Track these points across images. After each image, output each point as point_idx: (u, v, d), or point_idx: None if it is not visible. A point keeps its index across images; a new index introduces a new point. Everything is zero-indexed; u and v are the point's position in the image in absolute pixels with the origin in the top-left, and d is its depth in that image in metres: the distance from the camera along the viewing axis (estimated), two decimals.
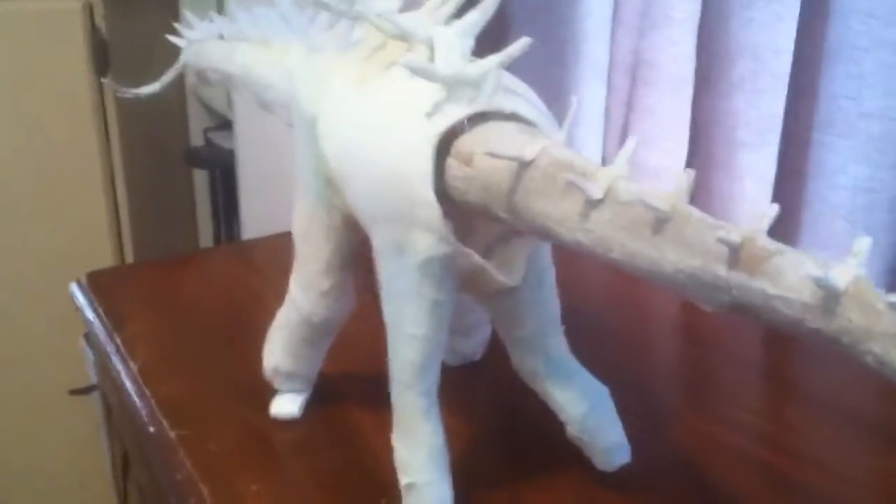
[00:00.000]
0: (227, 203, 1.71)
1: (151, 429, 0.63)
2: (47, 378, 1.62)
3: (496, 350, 0.60)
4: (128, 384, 0.69)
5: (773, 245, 0.36)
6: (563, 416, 0.53)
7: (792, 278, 0.35)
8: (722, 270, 0.37)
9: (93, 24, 1.68)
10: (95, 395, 1.21)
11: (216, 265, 0.93)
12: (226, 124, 1.71)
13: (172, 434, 0.62)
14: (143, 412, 0.65)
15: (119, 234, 1.79)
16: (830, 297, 0.34)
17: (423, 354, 0.49)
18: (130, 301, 0.82)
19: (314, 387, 0.64)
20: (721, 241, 0.36)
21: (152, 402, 0.66)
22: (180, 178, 1.86)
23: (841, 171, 0.77)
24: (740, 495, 0.56)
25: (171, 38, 0.74)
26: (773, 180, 0.83)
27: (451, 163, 0.45)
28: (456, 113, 0.45)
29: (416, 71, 0.45)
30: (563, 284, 0.52)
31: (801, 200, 0.82)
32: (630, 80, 1.02)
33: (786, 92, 0.80)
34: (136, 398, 0.67)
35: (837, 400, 0.66)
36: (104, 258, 1.73)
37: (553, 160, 0.42)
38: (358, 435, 0.61)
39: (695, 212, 0.39)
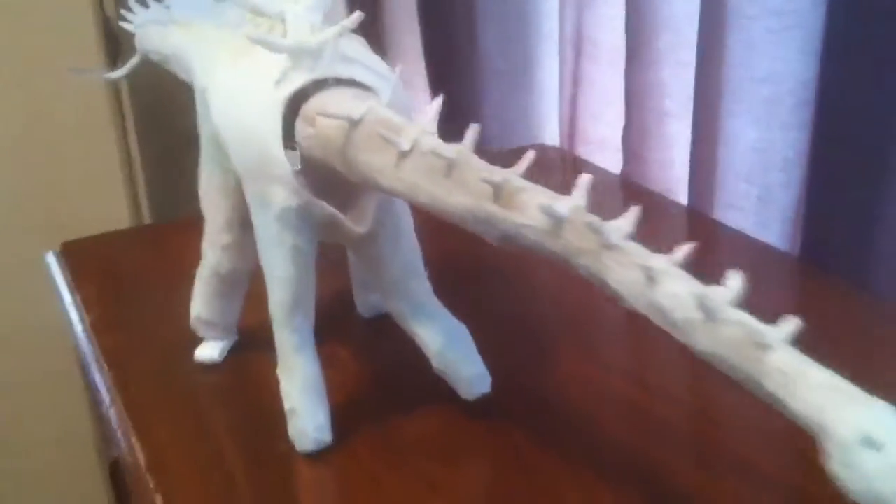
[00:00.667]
0: None
1: (91, 375, 0.71)
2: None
3: None
4: (80, 335, 0.77)
5: (522, 183, 0.42)
6: (426, 352, 0.60)
7: (533, 210, 0.41)
8: (490, 207, 0.43)
9: (103, 12, 1.77)
10: None
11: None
12: None
13: (108, 377, 0.69)
14: (88, 359, 0.73)
15: (139, 214, 1.89)
16: (557, 223, 0.40)
17: (290, 295, 0.56)
18: (100, 266, 0.90)
19: (237, 335, 0.71)
20: (485, 181, 0.43)
21: (97, 350, 0.73)
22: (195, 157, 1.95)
23: (741, 134, 0.82)
24: (595, 423, 0.62)
25: (122, 24, 0.81)
26: (690, 147, 0.89)
27: (299, 124, 0.52)
28: (299, 80, 0.51)
29: (259, 43, 0.51)
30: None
31: (714, 165, 0.87)
32: (576, 54, 1.07)
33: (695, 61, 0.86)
34: (84, 348, 0.75)
35: None
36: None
37: (376, 119, 0.48)
38: (272, 380, 0.68)
39: (475, 159, 0.45)
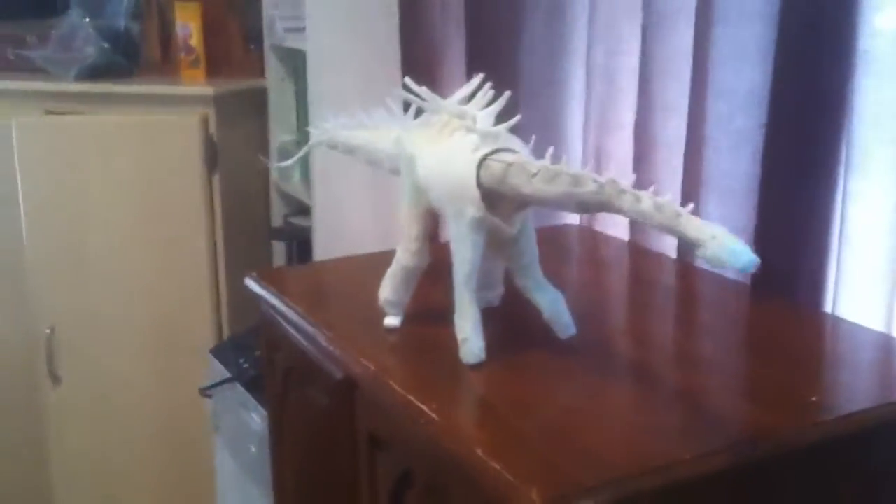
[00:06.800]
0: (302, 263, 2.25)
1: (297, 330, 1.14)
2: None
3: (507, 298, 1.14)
4: (293, 316, 1.20)
5: (585, 173, 0.88)
6: (539, 307, 1.04)
7: (592, 184, 0.87)
8: (573, 189, 0.89)
9: (207, 132, 2.24)
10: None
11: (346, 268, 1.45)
12: (301, 210, 2.26)
13: (324, 335, 1.12)
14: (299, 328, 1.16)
15: (217, 293, 2.33)
16: (600, 186, 0.86)
17: (469, 268, 1.00)
18: (288, 282, 1.34)
19: (408, 312, 1.14)
20: (567, 174, 0.89)
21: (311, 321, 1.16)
22: (265, 250, 2.42)
23: (708, 211, 1.29)
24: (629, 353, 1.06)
25: (310, 129, 1.29)
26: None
27: (482, 170, 0.97)
28: (487, 148, 0.97)
29: (471, 130, 0.97)
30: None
31: None
32: (596, 162, 1.55)
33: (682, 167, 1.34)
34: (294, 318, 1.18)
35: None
36: (207, 311, 2.27)
37: (519, 162, 0.94)
38: (433, 332, 1.10)
39: (565, 169, 0.90)
